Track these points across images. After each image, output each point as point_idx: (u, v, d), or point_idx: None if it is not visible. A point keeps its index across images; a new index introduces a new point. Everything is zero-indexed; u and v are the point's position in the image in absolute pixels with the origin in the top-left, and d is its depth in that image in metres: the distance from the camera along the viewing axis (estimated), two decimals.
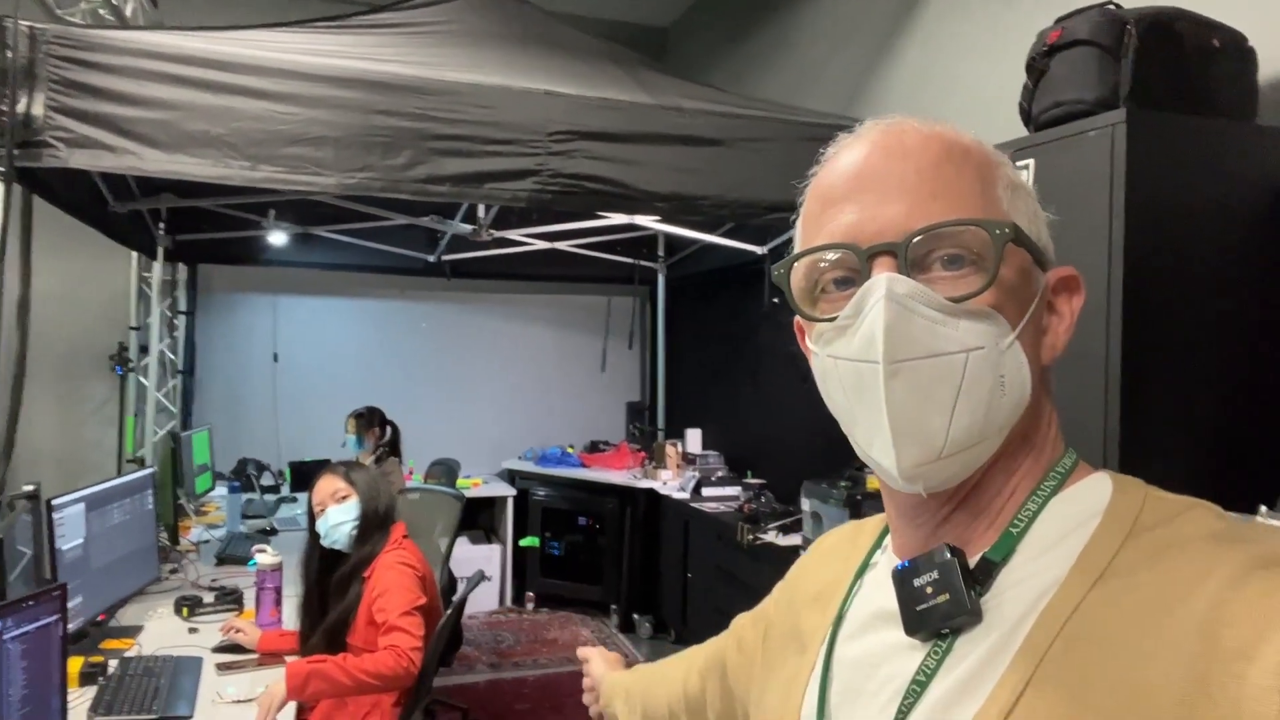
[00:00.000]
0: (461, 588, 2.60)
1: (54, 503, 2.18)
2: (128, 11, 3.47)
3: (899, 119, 0.59)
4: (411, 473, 5.08)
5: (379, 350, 5.67)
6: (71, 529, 2.25)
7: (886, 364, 0.53)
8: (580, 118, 2.64)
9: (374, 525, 2.39)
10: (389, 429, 4.40)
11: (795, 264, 0.59)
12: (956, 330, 0.53)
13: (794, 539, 3.56)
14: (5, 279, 2.11)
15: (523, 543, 5.37)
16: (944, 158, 0.56)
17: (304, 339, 5.52)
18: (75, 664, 2.13)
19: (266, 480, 4.85)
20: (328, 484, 2.41)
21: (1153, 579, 0.49)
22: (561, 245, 5.17)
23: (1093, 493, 0.56)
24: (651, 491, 4.97)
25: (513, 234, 4.89)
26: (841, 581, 0.69)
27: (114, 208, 3.60)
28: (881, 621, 0.61)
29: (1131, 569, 0.50)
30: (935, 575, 0.55)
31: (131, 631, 2.44)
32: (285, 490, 4.72)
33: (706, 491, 4.62)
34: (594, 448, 5.84)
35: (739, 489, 4.55)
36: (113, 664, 2.17)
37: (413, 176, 2.47)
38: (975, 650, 0.53)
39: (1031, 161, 1.84)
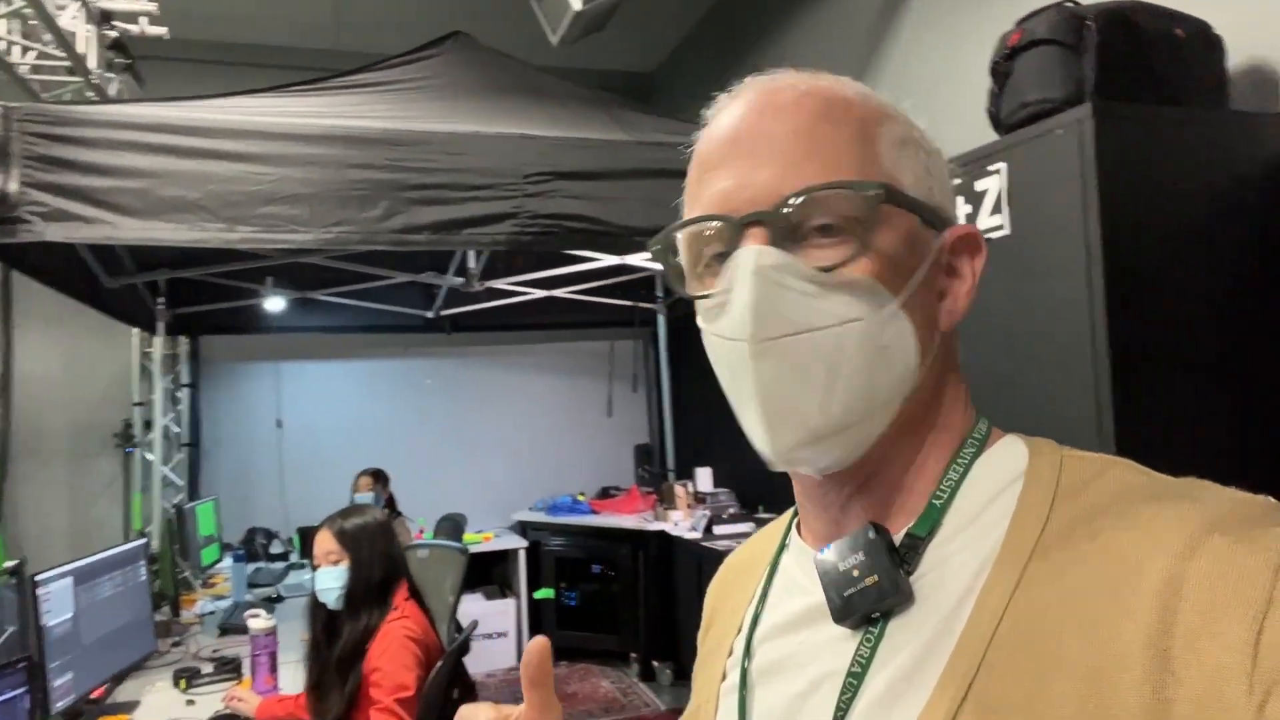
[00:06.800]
0: (459, 639, 2.52)
1: (38, 578, 2.14)
2: (112, 91, 3.52)
3: (779, 74, 0.56)
4: (423, 531, 5.02)
5: (383, 410, 5.65)
6: (59, 604, 2.21)
7: (753, 344, 0.50)
8: (555, 158, 2.64)
9: (367, 597, 2.25)
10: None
11: (674, 238, 0.56)
12: (830, 302, 0.50)
13: None
14: None
15: (537, 595, 5.28)
16: (821, 115, 0.52)
17: (307, 403, 5.52)
18: None
19: (275, 548, 4.81)
20: (323, 541, 2.31)
21: (1096, 550, 0.46)
22: (558, 292, 5.17)
23: (1009, 456, 0.53)
24: (663, 534, 4.89)
25: (503, 284, 4.88)
26: (749, 592, 0.65)
27: (107, 284, 3.62)
28: (801, 621, 0.57)
29: (1069, 539, 0.47)
30: (861, 556, 0.51)
31: (128, 707, 2.39)
32: (295, 557, 4.66)
33: (718, 529, 4.54)
34: (605, 493, 5.77)
35: (751, 525, 4.46)
36: None
37: (389, 227, 2.47)
38: (914, 636, 0.49)
39: (1004, 165, 1.81)
